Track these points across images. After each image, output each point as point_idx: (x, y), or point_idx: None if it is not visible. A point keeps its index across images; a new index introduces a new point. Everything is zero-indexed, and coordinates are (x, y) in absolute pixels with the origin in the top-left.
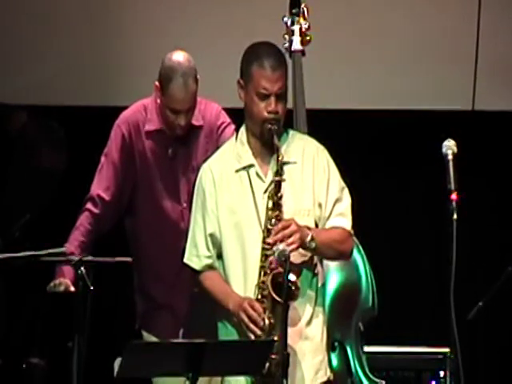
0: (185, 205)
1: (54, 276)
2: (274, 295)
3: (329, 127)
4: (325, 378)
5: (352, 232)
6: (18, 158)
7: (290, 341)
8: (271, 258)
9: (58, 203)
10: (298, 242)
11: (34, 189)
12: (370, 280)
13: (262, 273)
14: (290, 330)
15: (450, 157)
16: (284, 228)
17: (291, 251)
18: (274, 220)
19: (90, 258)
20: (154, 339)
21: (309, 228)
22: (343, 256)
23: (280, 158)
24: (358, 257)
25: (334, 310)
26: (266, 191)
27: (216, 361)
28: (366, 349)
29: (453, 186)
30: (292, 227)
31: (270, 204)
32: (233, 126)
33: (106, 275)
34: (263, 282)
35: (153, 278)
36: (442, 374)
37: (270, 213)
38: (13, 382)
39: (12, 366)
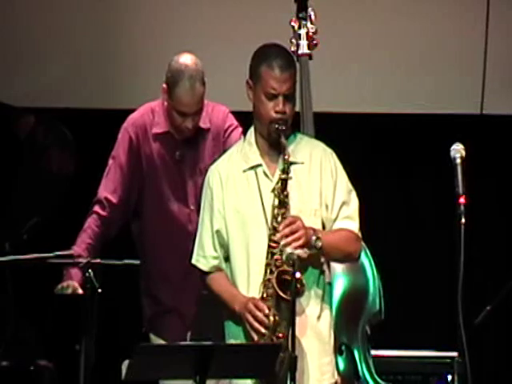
0: (192, 207)
1: (61, 278)
2: (280, 293)
3: (336, 130)
4: (332, 381)
5: (359, 235)
6: (27, 161)
7: (298, 333)
8: (277, 256)
9: (65, 206)
10: (304, 237)
11: (42, 192)
12: (377, 284)
13: (268, 271)
14: (298, 324)
15: (459, 160)
16: (290, 224)
17: (297, 247)
18: (279, 218)
19: (97, 260)
20: (161, 342)
21: (314, 229)
22: (350, 258)
23: (287, 157)
24: (365, 260)
25: (341, 313)
26: (273, 190)
27: (223, 364)
28: (374, 352)
29: (461, 190)
30: (298, 223)
31: (276, 202)
32: (240, 129)
33: (114, 277)
34: (268, 280)
35: (160, 280)
36: (449, 377)
37: (275, 210)
38: None
39: (20, 368)
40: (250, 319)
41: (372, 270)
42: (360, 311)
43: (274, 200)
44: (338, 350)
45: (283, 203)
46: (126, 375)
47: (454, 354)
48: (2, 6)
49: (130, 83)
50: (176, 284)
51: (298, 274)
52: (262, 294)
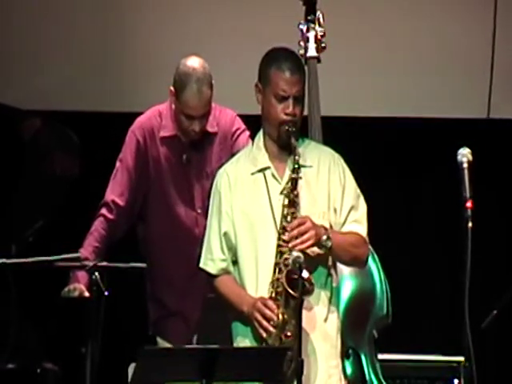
0: (199, 211)
1: (68, 281)
2: (290, 290)
3: (343, 134)
4: None
5: (367, 239)
6: (31, 164)
7: (305, 334)
8: (286, 256)
9: (72, 208)
10: (313, 238)
11: (46, 194)
12: (384, 288)
13: (277, 270)
14: (306, 324)
15: (465, 165)
16: (300, 225)
17: (307, 248)
18: (289, 217)
19: (104, 263)
20: (168, 345)
21: (325, 228)
22: (358, 261)
23: (297, 157)
24: (373, 265)
25: (348, 317)
26: (281, 192)
27: (229, 367)
28: (380, 356)
29: (468, 194)
30: (307, 224)
31: (286, 201)
32: (247, 133)
33: (121, 280)
34: (277, 280)
35: (165, 284)
36: (455, 382)
37: (285, 210)
38: None
39: (26, 371)
40: (259, 317)
41: (379, 274)
42: (367, 315)
43: (283, 199)
44: (344, 354)
45: (293, 202)
46: (132, 378)
47: (461, 358)
48: (10, 6)
49: (138, 86)
50: (180, 287)
51: (305, 274)
52: (271, 293)
